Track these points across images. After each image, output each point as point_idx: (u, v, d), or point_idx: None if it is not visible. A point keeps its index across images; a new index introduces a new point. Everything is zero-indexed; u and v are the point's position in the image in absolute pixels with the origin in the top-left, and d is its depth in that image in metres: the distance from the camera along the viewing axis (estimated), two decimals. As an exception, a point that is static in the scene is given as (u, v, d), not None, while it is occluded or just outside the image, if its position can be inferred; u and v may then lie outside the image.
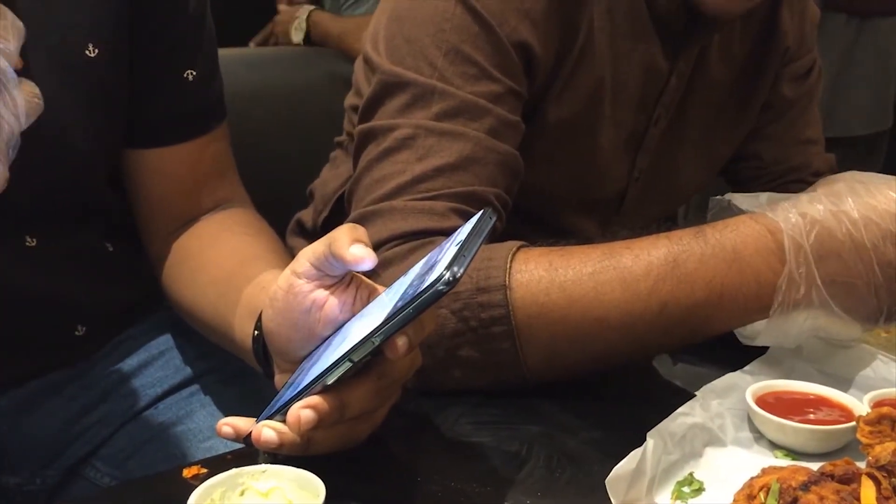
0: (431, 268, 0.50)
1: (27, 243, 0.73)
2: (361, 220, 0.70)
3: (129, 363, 0.85)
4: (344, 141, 0.98)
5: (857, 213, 0.60)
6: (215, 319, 0.73)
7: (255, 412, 0.80)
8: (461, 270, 0.47)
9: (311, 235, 0.95)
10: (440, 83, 0.72)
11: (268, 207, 0.89)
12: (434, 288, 0.47)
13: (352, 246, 0.53)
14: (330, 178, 0.98)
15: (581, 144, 0.83)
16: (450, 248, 0.51)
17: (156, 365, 0.86)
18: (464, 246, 0.49)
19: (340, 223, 0.79)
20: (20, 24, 0.48)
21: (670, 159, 0.91)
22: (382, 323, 0.50)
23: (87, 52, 0.71)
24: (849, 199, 0.60)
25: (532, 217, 0.86)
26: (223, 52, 0.87)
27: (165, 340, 0.87)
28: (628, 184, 0.89)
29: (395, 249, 0.68)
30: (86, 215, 0.78)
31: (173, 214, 0.82)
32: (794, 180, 0.97)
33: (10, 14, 0.48)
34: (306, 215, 1.02)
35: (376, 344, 0.50)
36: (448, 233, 0.68)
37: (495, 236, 0.70)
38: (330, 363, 0.51)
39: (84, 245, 0.80)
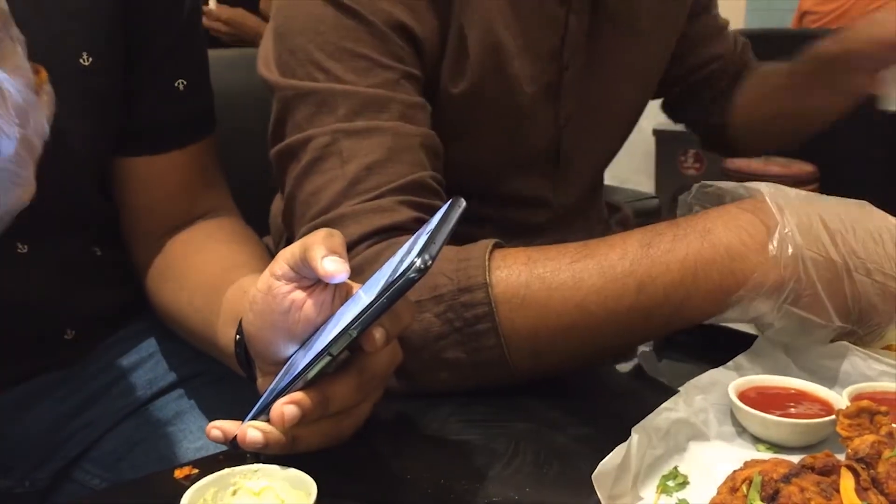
0: (404, 258, 0.51)
1: (18, 250, 0.74)
2: None
3: (119, 366, 0.86)
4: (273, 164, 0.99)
5: (824, 203, 0.63)
6: (199, 326, 0.74)
7: (245, 414, 0.81)
8: (431, 258, 0.48)
9: None
10: (337, 84, 0.73)
11: (251, 209, 0.90)
12: (406, 276, 0.48)
13: (324, 259, 0.53)
14: (279, 210, 0.99)
15: (497, 108, 0.84)
16: (420, 237, 0.51)
17: (145, 367, 0.86)
18: (434, 234, 0.50)
19: None
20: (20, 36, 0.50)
21: (598, 96, 0.91)
22: (359, 314, 0.50)
23: (80, 61, 0.72)
24: (809, 195, 0.63)
25: (475, 190, 0.87)
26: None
27: (154, 343, 0.88)
28: (559, 133, 0.90)
29: (363, 254, 0.69)
30: (76, 222, 0.79)
31: (160, 222, 0.82)
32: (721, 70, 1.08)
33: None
34: (269, 241, 1.03)
35: (353, 336, 0.51)
36: (404, 226, 0.70)
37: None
38: (310, 359, 0.52)
39: (74, 250, 0.81)
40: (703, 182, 0.70)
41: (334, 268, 0.53)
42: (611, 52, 0.90)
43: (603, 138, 0.97)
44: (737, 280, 0.61)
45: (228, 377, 0.86)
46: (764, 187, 0.64)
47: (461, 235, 0.89)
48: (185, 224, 0.83)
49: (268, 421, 0.53)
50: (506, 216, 0.92)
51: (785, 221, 0.60)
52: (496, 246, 0.67)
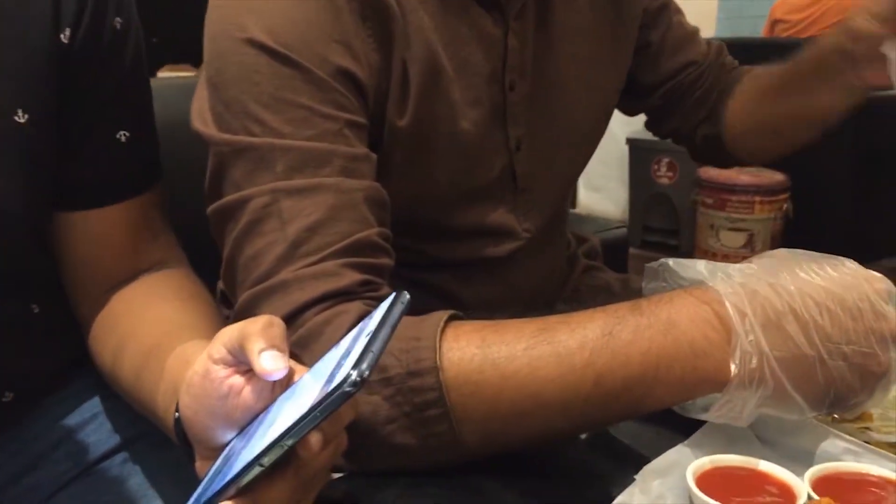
0: (342, 360, 0.48)
1: None
2: (254, 303, 0.68)
3: (62, 427, 0.83)
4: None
5: (794, 287, 0.59)
6: (140, 391, 0.70)
7: (189, 479, 0.78)
8: (368, 368, 0.46)
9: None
10: (274, 139, 0.69)
11: (211, 247, 0.87)
12: (341, 389, 0.46)
13: (262, 354, 0.50)
14: None
15: (443, 136, 0.80)
16: (361, 338, 0.49)
17: (88, 430, 0.83)
18: (373, 337, 0.47)
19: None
20: None
21: (550, 118, 0.89)
22: (291, 426, 0.48)
23: (15, 118, 0.68)
24: (783, 273, 0.60)
25: (434, 225, 0.85)
26: (160, 82, 0.84)
27: (98, 402, 0.85)
28: (511, 157, 0.87)
29: (308, 325, 0.65)
30: (13, 280, 0.75)
31: (103, 277, 0.79)
32: (697, 75, 1.04)
33: None
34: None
35: (287, 447, 0.48)
36: (350, 291, 0.67)
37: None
38: (241, 466, 0.49)
39: (11, 309, 0.77)
40: (671, 260, 0.66)
41: (272, 366, 0.51)
42: (560, 72, 0.88)
43: (561, 161, 0.94)
44: (699, 377, 0.59)
45: (171, 440, 0.84)
46: (723, 286, 0.60)
47: (422, 284, 0.88)
48: (129, 279, 0.80)
49: (200, 527, 0.51)
50: (470, 250, 0.89)
51: (747, 328, 0.58)
52: (449, 320, 0.64)
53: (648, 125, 1.14)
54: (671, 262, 0.65)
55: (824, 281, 0.60)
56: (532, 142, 0.88)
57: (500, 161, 0.86)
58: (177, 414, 0.60)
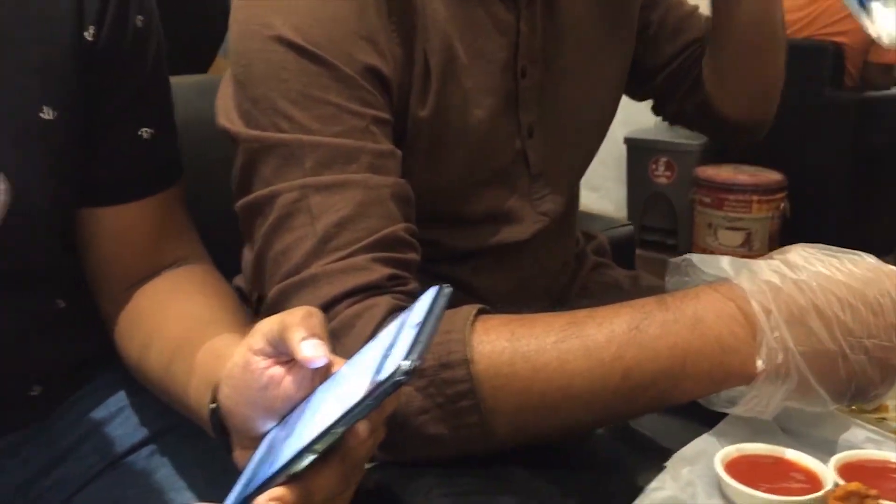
0: (388, 351, 0.49)
1: None
2: (284, 296, 0.69)
3: (89, 421, 0.83)
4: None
5: (816, 283, 0.61)
6: (169, 385, 0.71)
7: (216, 471, 0.79)
8: (419, 359, 0.47)
9: (254, 308, 0.93)
10: (303, 135, 0.70)
11: (225, 244, 0.88)
12: (393, 379, 0.47)
13: (303, 343, 0.52)
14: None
15: (460, 124, 0.82)
16: (405, 330, 0.50)
17: (116, 422, 0.84)
18: (421, 329, 0.49)
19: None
20: None
21: (561, 103, 0.90)
22: (344, 414, 0.49)
23: (41, 115, 0.69)
24: (806, 269, 0.61)
25: (449, 217, 0.86)
26: (176, 80, 0.84)
27: (124, 396, 0.85)
28: (524, 143, 0.88)
29: (339, 318, 0.67)
30: (40, 277, 0.76)
31: (127, 273, 0.80)
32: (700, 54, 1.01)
33: None
34: (240, 281, 0.99)
35: (338, 435, 0.49)
36: (379, 285, 0.68)
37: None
38: (292, 455, 0.51)
39: (38, 305, 0.78)
40: (695, 256, 0.67)
41: (313, 353, 0.52)
42: (567, 59, 0.89)
43: (572, 147, 0.95)
44: (725, 371, 0.60)
45: (201, 432, 0.84)
46: (747, 284, 0.61)
47: (440, 277, 0.89)
48: (153, 275, 0.81)
49: (249, 512, 0.52)
50: (487, 236, 0.90)
51: (772, 325, 0.59)
52: (479, 313, 0.65)
53: (656, 110, 1.13)
54: (695, 257, 0.67)
55: (845, 277, 0.61)
56: (543, 128, 0.89)
57: (514, 147, 0.88)
58: (212, 405, 0.61)
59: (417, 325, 0.49)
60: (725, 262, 0.64)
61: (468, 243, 0.89)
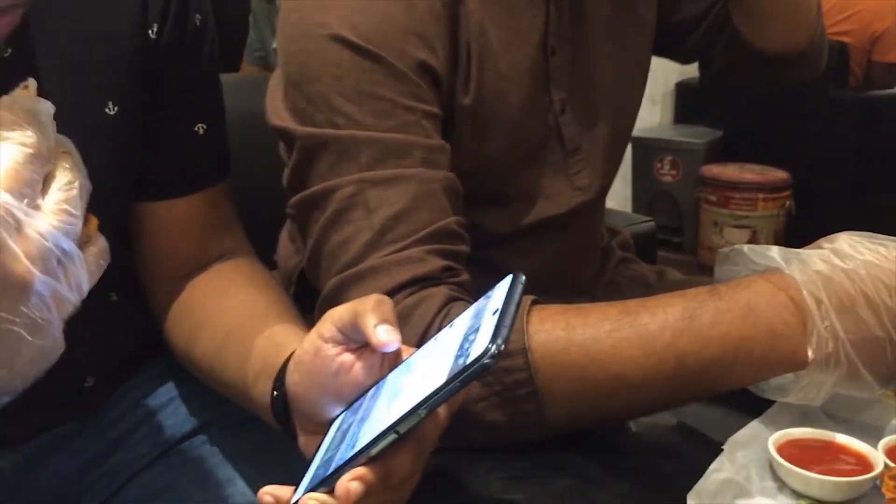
0: (470, 336, 0.51)
1: None
2: (342, 287, 0.71)
3: (139, 411, 0.85)
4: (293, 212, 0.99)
5: (864, 271, 0.62)
6: (225, 375, 0.73)
7: (267, 460, 0.81)
8: (504, 343, 0.49)
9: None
10: (358, 130, 0.73)
11: (258, 238, 0.89)
12: (480, 362, 0.49)
13: (377, 328, 0.54)
14: (289, 254, 0.98)
15: (496, 108, 0.83)
16: (486, 317, 0.52)
17: (164, 413, 0.85)
18: (503, 315, 0.51)
19: (311, 299, 0.78)
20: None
21: (588, 80, 0.91)
22: (429, 396, 0.51)
23: (106, 111, 0.71)
24: (853, 257, 0.63)
25: (489, 198, 0.87)
26: None
27: (173, 387, 0.87)
28: (557, 119, 0.90)
29: (397, 309, 0.68)
30: None
31: (178, 265, 0.82)
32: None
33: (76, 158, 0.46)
34: (275, 275, 1.01)
35: (422, 416, 0.51)
36: (434, 276, 0.71)
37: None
38: (374, 436, 0.52)
39: (93, 298, 0.79)
40: (746, 246, 0.69)
41: (388, 337, 0.54)
42: (592, 35, 0.91)
43: (603, 123, 0.96)
44: (778, 358, 0.62)
45: (249, 423, 0.86)
46: (798, 273, 0.62)
47: (483, 262, 0.90)
48: (203, 267, 0.82)
49: (329, 493, 0.53)
50: (524, 214, 0.91)
51: (823, 314, 0.61)
52: (533, 304, 0.67)
53: (702, 68, 1.11)
54: (745, 248, 0.68)
55: (893, 264, 0.63)
56: (575, 104, 0.91)
57: (547, 124, 0.89)
58: (275, 392, 0.63)
59: (497, 311, 0.50)
60: (776, 252, 0.66)
61: (508, 225, 0.91)
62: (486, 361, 0.48)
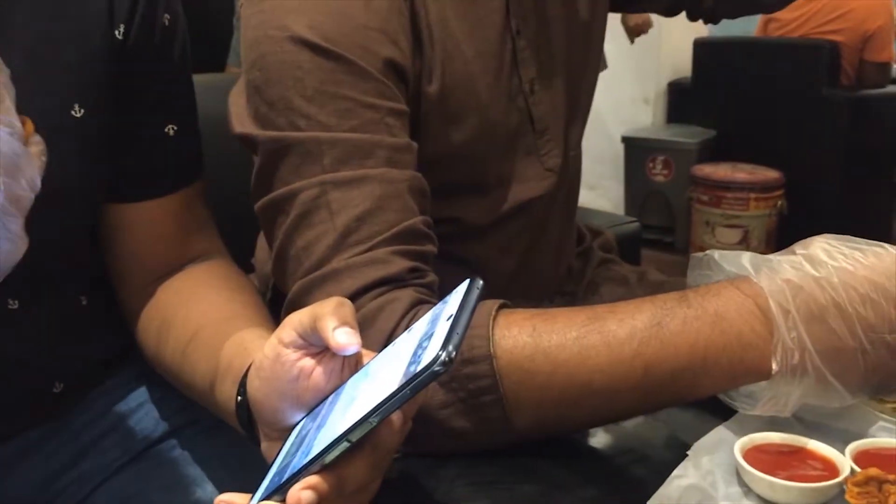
0: (424, 342, 0.51)
1: (9, 307, 0.72)
2: (306, 291, 0.70)
3: (110, 416, 0.84)
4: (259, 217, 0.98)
5: (837, 279, 0.60)
6: (194, 379, 0.73)
7: (237, 465, 0.80)
8: (455, 350, 0.48)
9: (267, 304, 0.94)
10: (320, 132, 0.72)
11: (237, 239, 0.89)
12: (431, 370, 0.48)
13: (336, 331, 0.53)
14: (266, 258, 0.96)
15: (465, 95, 0.83)
16: (440, 322, 0.51)
17: (136, 416, 0.85)
18: (456, 321, 0.50)
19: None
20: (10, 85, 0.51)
21: (552, 55, 0.91)
22: (380, 404, 0.50)
23: (72, 112, 0.70)
24: (827, 264, 0.61)
25: (462, 186, 0.87)
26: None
27: (145, 391, 0.87)
28: (527, 100, 0.89)
29: (362, 311, 0.68)
30: (67, 274, 0.77)
31: (150, 268, 0.81)
32: None
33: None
34: (253, 279, 1.00)
35: (374, 424, 0.51)
36: (400, 278, 0.70)
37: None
38: (327, 444, 0.52)
39: (62, 302, 0.79)
40: (717, 252, 0.68)
41: (346, 340, 0.53)
42: (549, 10, 0.90)
43: (569, 97, 0.96)
44: (745, 368, 0.61)
45: (218, 427, 0.85)
46: (766, 282, 0.61)
47: (457, 259, 0.90)
48: (176, 269, 0.82)
49: (282, 501, 0.53)
50: (499, 202, 0.90)
51: (790, 325, 0.60)
52: (500, 308, 0.66)
53: (691, 15, 1.12)
54: (716, 254, 0.67)
55: (868, 271, 0.60)
56: (543, 82, 0.90)
57: (518, 106, 0.89)
58: (239, 398, 0.63)
59: (452, 317, 0.50)
60: (746, 259, 0.64)
61: (486, 213, 0.90)
62: (437, 369, 0.47)
